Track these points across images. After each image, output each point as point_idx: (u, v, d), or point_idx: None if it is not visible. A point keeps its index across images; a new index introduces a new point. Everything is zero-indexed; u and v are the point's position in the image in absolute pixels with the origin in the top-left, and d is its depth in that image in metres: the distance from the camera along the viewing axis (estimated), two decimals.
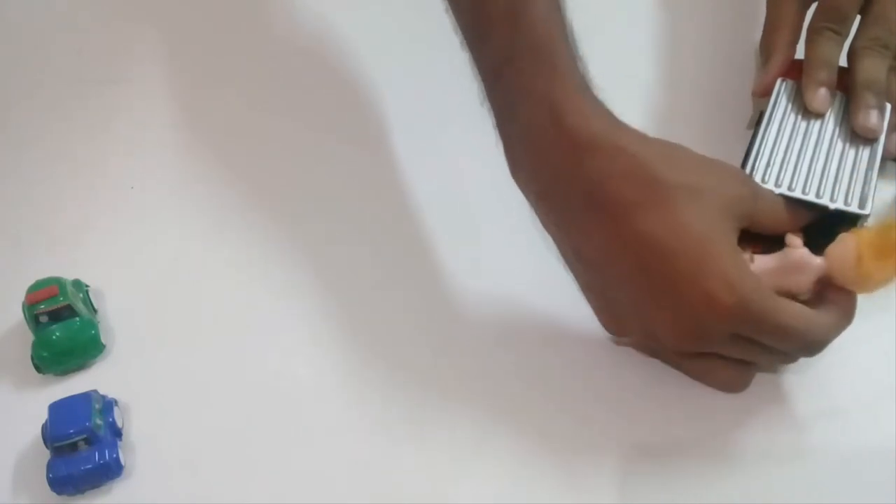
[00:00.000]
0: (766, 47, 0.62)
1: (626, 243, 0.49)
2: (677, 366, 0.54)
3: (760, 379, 0.54)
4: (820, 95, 0.58)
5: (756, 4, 0.66)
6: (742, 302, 0.47)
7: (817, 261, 0.51)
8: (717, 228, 0.49)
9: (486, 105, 0.54)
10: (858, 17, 0.60)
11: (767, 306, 0.48)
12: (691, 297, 0.48)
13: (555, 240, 0.53)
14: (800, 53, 0.61)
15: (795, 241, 0.52)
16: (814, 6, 0.61)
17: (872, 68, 0.58)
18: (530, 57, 0.50)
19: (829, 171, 0.55)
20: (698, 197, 0.48)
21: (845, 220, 0.54)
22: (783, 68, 0.60)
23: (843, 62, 0.60)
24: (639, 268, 0.49)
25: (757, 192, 0.53)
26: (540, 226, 0.54)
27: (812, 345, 0.50)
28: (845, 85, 0.59)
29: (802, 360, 0.54)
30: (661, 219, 0.48)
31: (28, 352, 0.57)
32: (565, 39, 0.51)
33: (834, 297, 0.51)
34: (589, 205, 0.49)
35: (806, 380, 0.54)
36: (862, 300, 0.55)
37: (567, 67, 0.50)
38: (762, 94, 0.60)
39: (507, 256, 0.60)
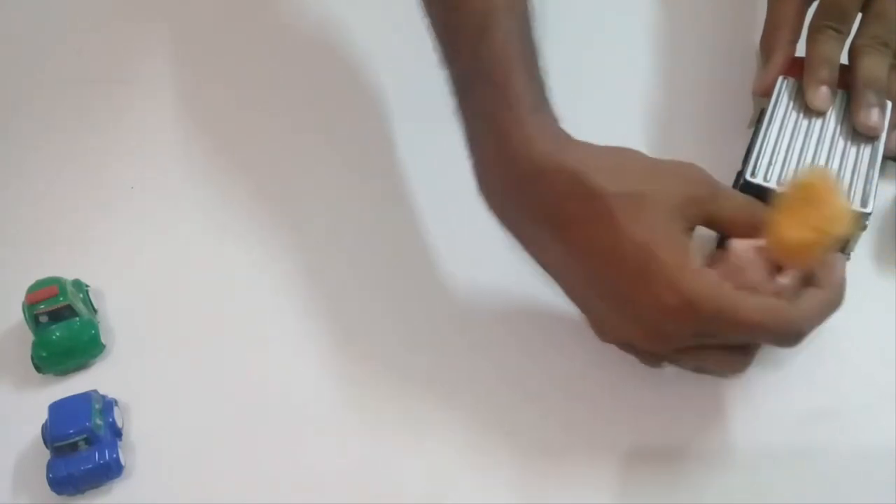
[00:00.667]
0: (767, 46, 0.62)
1: (576, 258, 0.49)
2: (672, 363, 0.54)
3: (760, 379, 0.54)
4: (821, 94, 0.58)
5: (756, 4, 0.66)
6: (690, 303, 0.47)
7: (745, 247, 0.49)
8: (661, 232, 0.48)
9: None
10: (859, 16, 0.60)
11: (720, 304, 0.47)
12: (643, 303, 0.48)
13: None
14: (800, 51, 0.61)
15: (734, 241, 0.50)
16: (814, 5, 0.61)
17: (873, 66, 0.58)
18: (484, 83, 0.51)
19: (830, 169, 0.55)
20: (640, 203, 0.48)
21: None
22: (784, 67, 0.60)
23: (843, 61, 0.59)
24: (593, 280, 0.49)
25: (716, 191, 0.52)
26: None
27: (785, 337, 0.49)
28: (846, 83, 0.59)
29: (802, 358, 0.54)
30: (604, 231, 0.48)
31: (28, 352, 0.57)
32: (523, 64, 0.52)
33: (818, 282, 0.49)
34: (539, 225, 0.50)
35: (806, 380, 0.54)
36: (862, 300, 0.55)
37: (518, 93, 0.51)
38: (763, 94, 0.60)
39: (505, 257, 0.60)
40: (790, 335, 0.48)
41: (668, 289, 0.47)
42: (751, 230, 0.50)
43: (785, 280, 0.49)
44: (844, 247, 0.54)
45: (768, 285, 0.49)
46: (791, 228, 0.48)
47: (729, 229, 0.51)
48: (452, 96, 0.54)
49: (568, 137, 0.51)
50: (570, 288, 0.52)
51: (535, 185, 0.50)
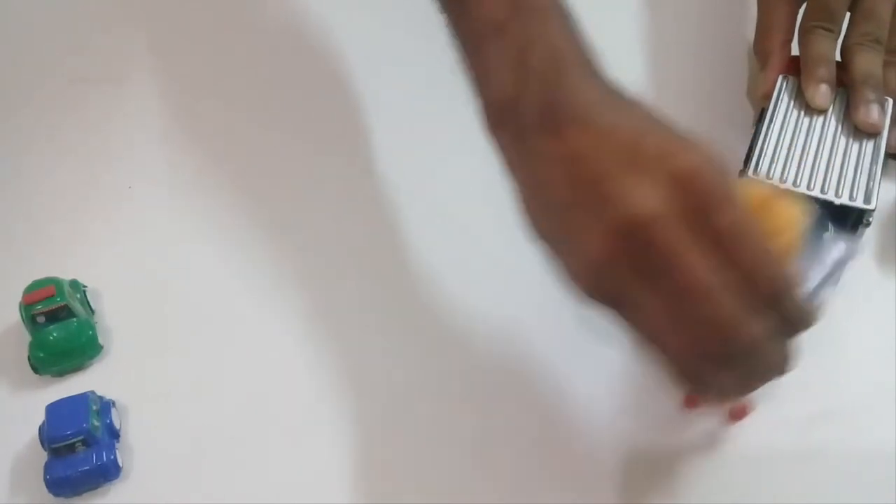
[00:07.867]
0: (762, 49, 0.62)
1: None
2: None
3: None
4: (821, 92, 0.58)
5: (745, 4, 0.67)
6: (702, 165, 0.42)
7: None
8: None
9: (465, 68, 0.50)
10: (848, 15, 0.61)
11: (727, 179, 0.43)
12: (651, 165, 0.42)
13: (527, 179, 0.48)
14: (795, 52, 0.61)
15: None
16: (804, 6, 0.62)
17: (868, 63, 0.59)
18: (533, 13, 0.47)
19: (833, 167, 0.56)
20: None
21: (850, 215, 0.54)
22: (782, 68, 0.60)
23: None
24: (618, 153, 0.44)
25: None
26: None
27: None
28: (841, 81, 0.59)
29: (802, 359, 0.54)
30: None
31: (25, 352, 0.56)
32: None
33: None
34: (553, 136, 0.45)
35: (806, 380, 0.54)
36: (863, 299, 0.55)
37: (573, 22, 0.48)
38: (765, 97, 0.60)
39: (499, 259, 0.60)
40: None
41: (684, 149, 0.43)
42: None
43: None
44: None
45: None
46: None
47: None
48: (467, 38, 0.50)
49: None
50: (561, 215, 0.46)
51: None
